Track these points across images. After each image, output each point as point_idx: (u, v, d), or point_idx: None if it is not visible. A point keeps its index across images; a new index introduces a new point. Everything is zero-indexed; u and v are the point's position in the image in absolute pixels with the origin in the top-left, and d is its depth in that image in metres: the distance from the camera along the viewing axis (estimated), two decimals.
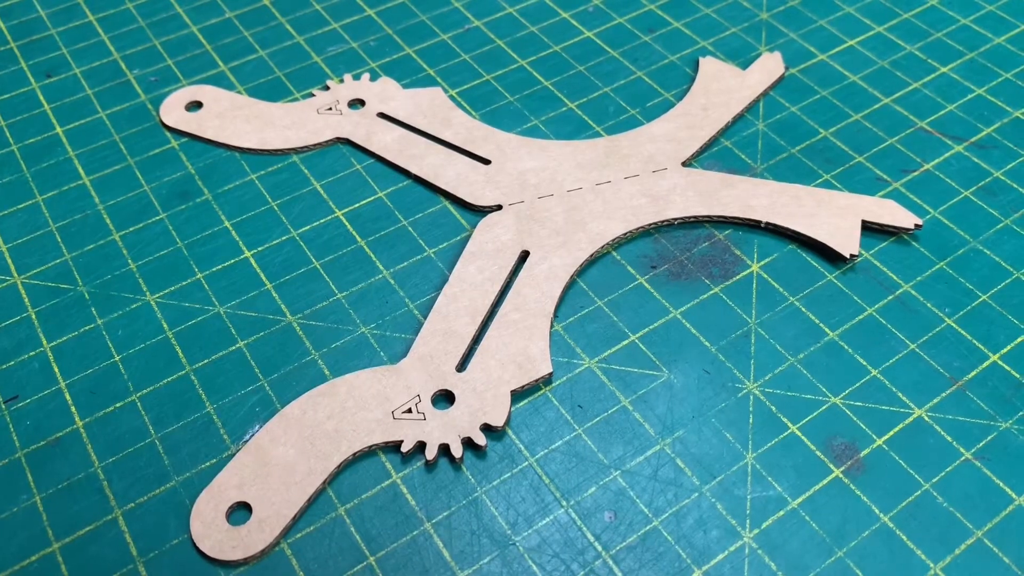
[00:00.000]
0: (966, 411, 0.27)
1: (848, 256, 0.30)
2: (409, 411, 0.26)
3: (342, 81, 0.36)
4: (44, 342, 0.28)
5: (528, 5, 0.40)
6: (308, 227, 0.31)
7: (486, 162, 0.33)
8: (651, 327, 0.29)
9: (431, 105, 0.35)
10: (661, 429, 0.26)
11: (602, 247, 0.30)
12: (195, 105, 0.35)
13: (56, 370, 0.27)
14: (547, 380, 0.27)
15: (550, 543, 0.24)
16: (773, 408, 0.27)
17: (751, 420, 0.26)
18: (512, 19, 0.39)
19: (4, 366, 0.28)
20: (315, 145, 0.34)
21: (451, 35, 0.39)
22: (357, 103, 0.35)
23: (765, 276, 0.30)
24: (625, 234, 0.30)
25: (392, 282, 0.30)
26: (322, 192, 0.32)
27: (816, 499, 0.25)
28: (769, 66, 0.36)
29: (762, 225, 0.31)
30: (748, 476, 0.25)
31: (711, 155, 0.34)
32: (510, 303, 0.28)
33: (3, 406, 0.27)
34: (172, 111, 0.35)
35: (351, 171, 0.33)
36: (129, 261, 0.30)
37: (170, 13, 0.39)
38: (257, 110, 0.35)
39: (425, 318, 0.28)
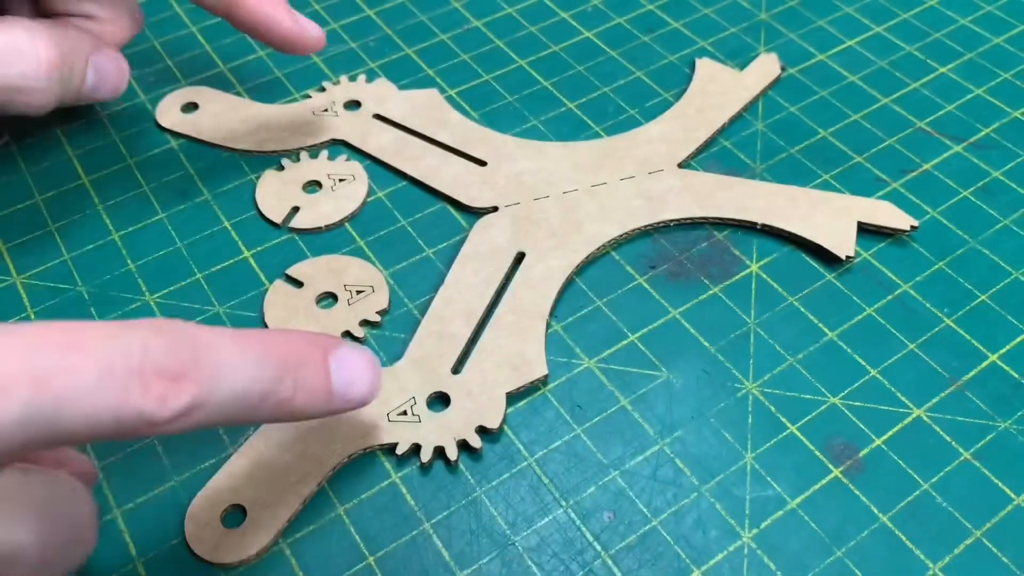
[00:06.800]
0: (965, 411, 0.27)
1: (844, 258, 0.30)
2: (404, 413, 0.26)
3: (338, 82, 0.36)
4: None
5: (527, 5, 0.40)
6: (307, 227, 0.31)
7: (482, 163, 0.33)
8: (650, 327, 0.29)
9: (427, 106, 0.35)
10: (660, 429, 0.26)
11: (598, 248, 0.30)
12: (191, 107, 0.35)
13: None
14: (544, 381, 0.27)
15: (549, 543, 0.24)
16: (772, 408, 0.27)
17: (750, 420, 0.26)
18: (511, 19, 0.39)
19: None
20: (311, 147, 0.34)
21: (450, 35, 0.39)
22: (353, 104, 0.35)
23: (764, 276, 0.30)
24: (621, 236, 0.30)
25: (391, 282, 0.30)
26: None
27: (815, 499, 0.25)
28: (765, 67, 0.36)
29: (758, 227, 0.31)
30: (747, 476, 0.25)
31: (710, 155, 0.34)
32: (506, 305, 0.28)
33: None
34: (168, 113, 0.35)
35: None
36: (128, 261, 0.30)
37: (169, 13, 0.39)
38: (253, 112, 0.35)
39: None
